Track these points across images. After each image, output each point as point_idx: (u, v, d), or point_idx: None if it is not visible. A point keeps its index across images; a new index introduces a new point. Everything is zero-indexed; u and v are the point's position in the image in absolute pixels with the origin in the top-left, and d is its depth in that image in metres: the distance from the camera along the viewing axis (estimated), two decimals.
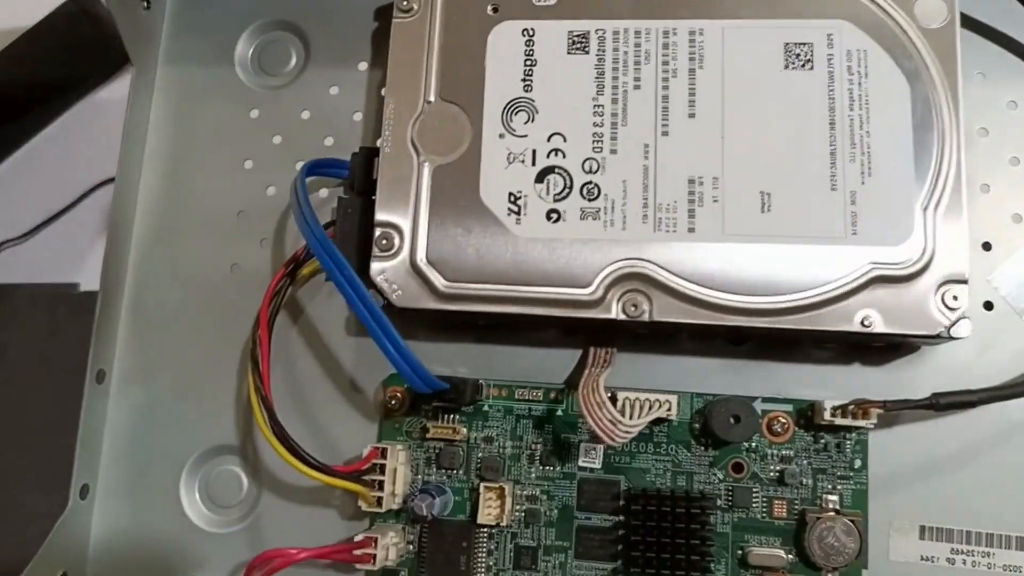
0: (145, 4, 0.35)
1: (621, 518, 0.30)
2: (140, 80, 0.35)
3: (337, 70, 0.35)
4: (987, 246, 0.31)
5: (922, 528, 0.30)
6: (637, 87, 0.30)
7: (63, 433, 0.51)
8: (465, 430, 0.31)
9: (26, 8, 0.61)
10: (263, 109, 0.35)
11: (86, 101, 0.65)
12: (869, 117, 0.29)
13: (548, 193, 0.30)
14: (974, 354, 0.30)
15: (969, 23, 0.32)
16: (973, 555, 0.29)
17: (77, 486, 0.33)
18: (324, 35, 0.36)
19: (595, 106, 0.30)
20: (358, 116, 0.35)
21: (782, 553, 0.29)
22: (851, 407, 0.29)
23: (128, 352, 0.35)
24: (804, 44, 0.30)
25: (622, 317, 0.28)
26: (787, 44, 0.30)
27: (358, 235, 0.31)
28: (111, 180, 0.60)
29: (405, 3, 0.31)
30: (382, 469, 0.29)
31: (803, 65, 0.30)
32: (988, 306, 0.31)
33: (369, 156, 0.32)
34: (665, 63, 0.30)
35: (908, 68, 0.29)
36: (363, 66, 0.35)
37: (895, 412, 0.29)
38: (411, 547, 0.31)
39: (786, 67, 0.30)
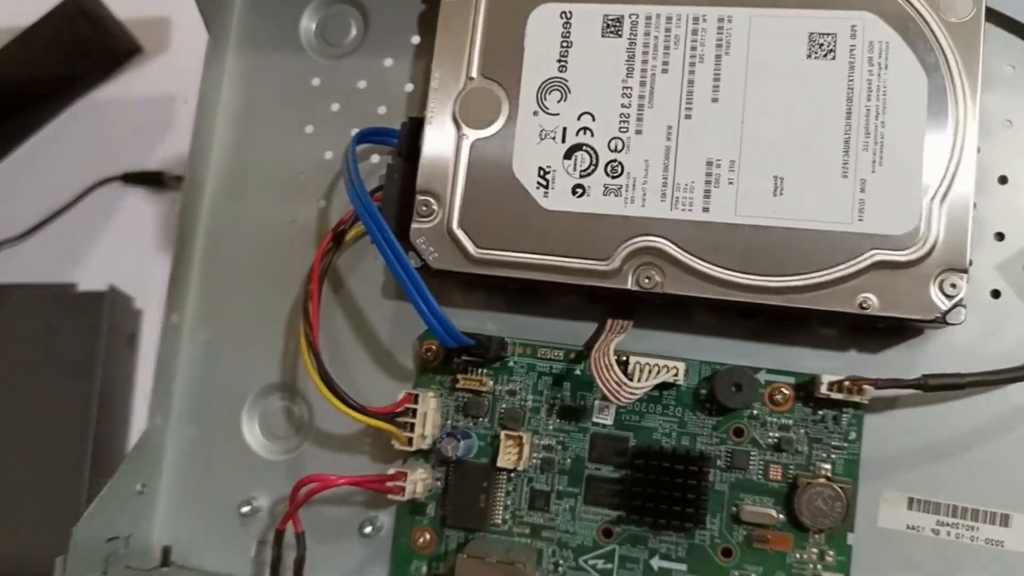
0: None
1: (627, 471, 0.33)
2: (214, 51, 0.39)
3: (392, 43, 0.38)
4: (1000, 236, 0.32)
5: (910, 500, 0.32)
6: (665, 71, 0.32)
7: (61, 433, 0.55)
8: (491, 383, 0.34)
9: (24, 7, 0.61)
10: (324, 78, 0.38)
11: (84, 100, 0.66)
12: (885, 108, 0.30)
13: (575, 169, 0.32)
14: (977, 340, 0.32)
15: (999, 19, 0.32)
16: (957, 527, 0.31)
17: (156, 413, 0.37)
18: (382, 9, 0.38)
19: (624, 88, 0.32)
20: (409, 87, 0.37)
21: (773, 512, 0.32)
22: (846, 383, 0.30)
23: (200, 296, 0.39)
24: (828, 35, 0.31)
25: (636, 288, 0.31)
26: (811, 34, 0.31)
27: (402, 199, 0.34)
28: (110, 180, 0.62)
29: None
30: (414, 413, 0.33)
31: (825, 55, 0.31)
32: (995, 294, 0.32)
33: (416, 126, 0.34)
34: (693, 49, 0.32)
35: (928, 61, 0.30)
36: (415, 39, 0.38)
37: (889, 390, 0.30)
38: (439, 483, 0.34)
39: (808, 56, 0.31)
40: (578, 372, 0.34)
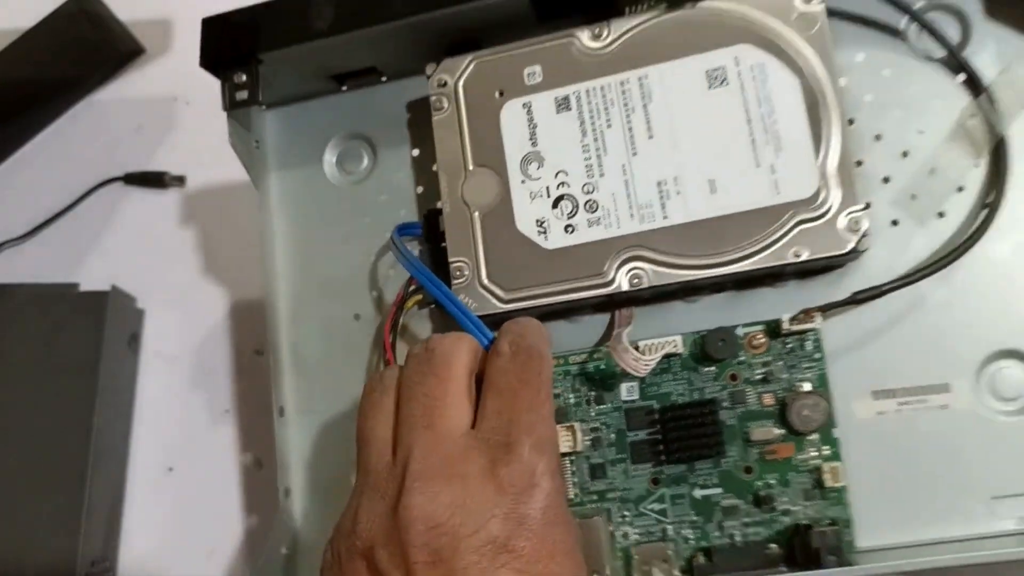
0: (256, 144, 0.49)
1: (659, 427, 0.42)
2: (262, 194, 0.49)
3: (397, 160, 0.48)
4: (886, 179, 0.42)
5: (873, 392, 0.41)
6: (609, 126, 0.42)
7: (63, 433, 0.55)
8: None
9: (26, 8, 0.61)
10: (352, 200, 0.49)
11: (86, 101, 0.66)
12: (773, 109, 0.40)
13: (563, 215, 0.42)
14: (888, 260, 0.41)
15: (846, 16, 0.43)
16: (912, 404, 0.40)
17: (282, 488, 0.46)
18: (384, 137, 0.49)
19: (583, 146, 0.42)
20: (420, 189, 0.48)
21: (774, 429, 0.41)
22: (800, 316, 0.40)
23: (296, 389, 0.48)
24: (719, 68, 0.42)
25: (629, 288, 0.41)
26: (707, 71, 0.42)
27: (438, 271, 0.44)
28: (111, 180, 0.64)
29: (438, 104, 0.44)
30: None
31: (721, 83, 0.41)
32: (894, 223, 0.42)
33: (433, 216, 0.45)
34: (625, 104, 0.42)
35: (796, 65, 0.40)
36: (415, 152, 0.48)
37: (829, 311, 0.40)
38: None
39: (709, 88, 0.41)
40: (603, 366, 0.43)
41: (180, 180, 0.64)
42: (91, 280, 0.61)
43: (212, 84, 0.47)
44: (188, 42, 0.64)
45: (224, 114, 0.48)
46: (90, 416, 0.55)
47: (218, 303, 0.62)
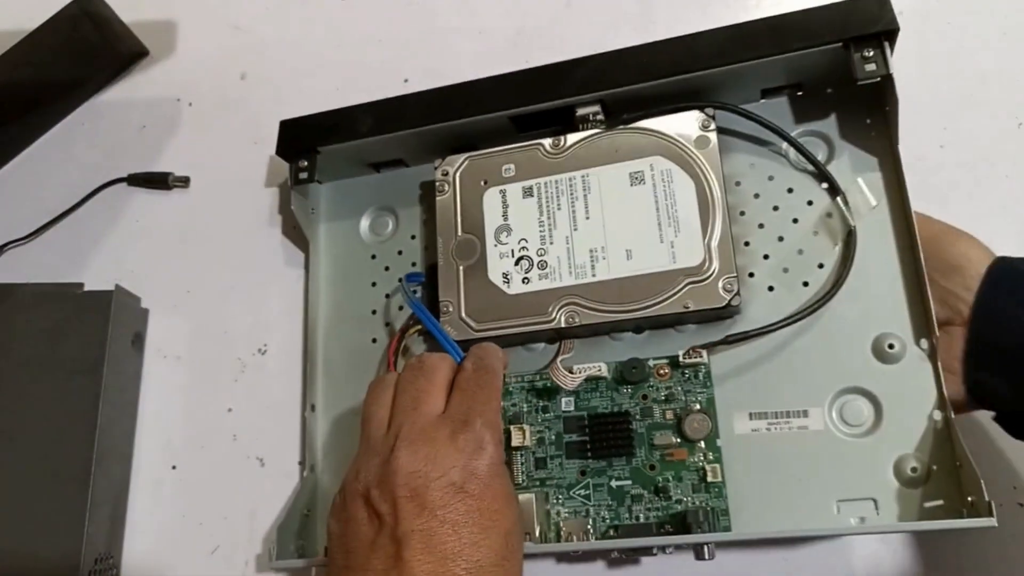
0: (312, 210, 0.67)
1: (587, 431, 0.56)
2: (312, 247, 0.66)
3: (412, 227, 0.65)
4: (766, 256, 0.57)
5: (749, 413, 0.54)
6: (559, 208, 0.58)
7: (68, 432, 0.55)
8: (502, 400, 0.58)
9: (30, 10, 0.61)
10: (378, 254, 0.65)
11: (90, 103, 0.66)
12: (675, 203, 0.56)
13: (522, 270, 0.58)
14: (764, 315, 0.55)
15: (739, 135, 0.59)
16: (779, 425, 0.54)
17: (308, 464, 0.62)
18: (405, 209, 0.66)
19: (539, 221, 0.58)
20: (424, 247, 0.64)
21: (672, 437, 0.54)
22: (689, 351, 0.54)
23: (325, 391, 0.64)
24: (639, 171, 0.57)
25: (565, 325, 0.56)
26: (631, 173, 0.57)
27: (432, 307, 0.59)
28: (115, 181, 0.65)
29: (441, 188, 0.61)
30: None
31: (640, 183, 0.57)
32: (771, 288, 0.56)
33: (433, 269, 0.61)
34: (571, 193, 0.58)
35: (694, 172, 0.56)
36: (425, 221, 0.65)
37: (711, 348, 0.54)
38: None
39: (631, 185, 0.57)
40: (548, 384, 0.58)
41: (183, 181, 0.65)
42: (95, 280, 0.61)
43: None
44: (191, 44, 0.68)
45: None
46: (94, 415, 0.56)
47: (221, 303, 0.64)
